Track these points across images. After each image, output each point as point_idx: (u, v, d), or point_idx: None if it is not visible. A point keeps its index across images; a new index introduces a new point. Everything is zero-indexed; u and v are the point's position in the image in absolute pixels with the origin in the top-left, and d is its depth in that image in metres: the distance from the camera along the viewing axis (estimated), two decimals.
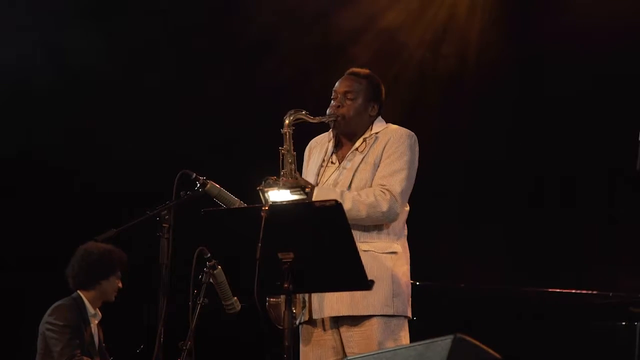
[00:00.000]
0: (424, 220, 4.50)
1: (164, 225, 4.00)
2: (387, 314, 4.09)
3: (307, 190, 4.10)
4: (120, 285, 5.62)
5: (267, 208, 3.62)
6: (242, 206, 4.09)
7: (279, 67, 7.03)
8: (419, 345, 2.97)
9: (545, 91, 7.05)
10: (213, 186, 4.12)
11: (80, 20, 6.93)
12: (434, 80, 7.19)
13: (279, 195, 4.06)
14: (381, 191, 4.11)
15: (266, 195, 4.06)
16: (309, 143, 4.46)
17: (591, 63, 6.74)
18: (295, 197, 4.07)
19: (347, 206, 3.95)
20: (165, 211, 4.00)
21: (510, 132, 7.07)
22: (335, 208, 3.57)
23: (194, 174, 4.12)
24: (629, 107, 6.56)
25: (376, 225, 4.14)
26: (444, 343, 2.88)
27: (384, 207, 4.08)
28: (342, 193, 4.10)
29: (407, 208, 4.27)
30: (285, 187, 4.07)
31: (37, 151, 6.96)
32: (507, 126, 7.06)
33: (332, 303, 4.09)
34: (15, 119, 6.94)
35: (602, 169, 6.77)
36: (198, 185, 4.11)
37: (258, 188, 4.07)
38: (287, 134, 4.16)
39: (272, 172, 4.10)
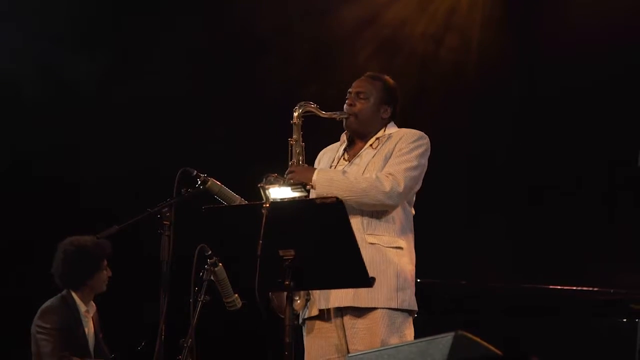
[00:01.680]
0: (425, 218, 4.50)
1: (164, 222, 3.99)
2: (392, 307, 4.10)
3: (308, 187, 4.10)
4: (109, 274, 5.46)
5: (267, 205, 3.62)
6: (243, 203, 4.10)
7: (279, 65, 7.02)
8: (420, 342, 2.97)
9: (546, 88, 7.04)
10: (214, 183, 4.12)
11: (72, 34, 6.92)
12: (436, 75, 7.19)
13: (279, 192, 4.07)
14: (385, 175, 4.13)
15: (267, 192, 4.07)
16: (319, 153, 4.47)
17: (591, 61, 6.73)
18: (296, 194, 4.08)
19: (349, 179, 4.00)
20: (166, 208, 3.99)
21: (512, 128, 7.06)
22: (336, 205, 3.56)
23: (195, 171, 4.12)
24: (629, 106, 6.56)
25: (383, 218, 4.15)
26: (445, 340, 2.88)
27: (387, 186, 4.09)
28: (344, 171, 4.13)
29: (413, 211, 4.30)
30: (286, 184, 4.07)
31: (35, 162, 6.95)
32: (509, 123, 7.05)
33: (336, 294, 4.11)
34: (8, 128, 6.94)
35: (603, 166, 6.76)
36: (199, 182, 4.11)
37: (259, 185, 4.08)
38: (297, 124, 4.18)
39: (273, 169, 4.09)
